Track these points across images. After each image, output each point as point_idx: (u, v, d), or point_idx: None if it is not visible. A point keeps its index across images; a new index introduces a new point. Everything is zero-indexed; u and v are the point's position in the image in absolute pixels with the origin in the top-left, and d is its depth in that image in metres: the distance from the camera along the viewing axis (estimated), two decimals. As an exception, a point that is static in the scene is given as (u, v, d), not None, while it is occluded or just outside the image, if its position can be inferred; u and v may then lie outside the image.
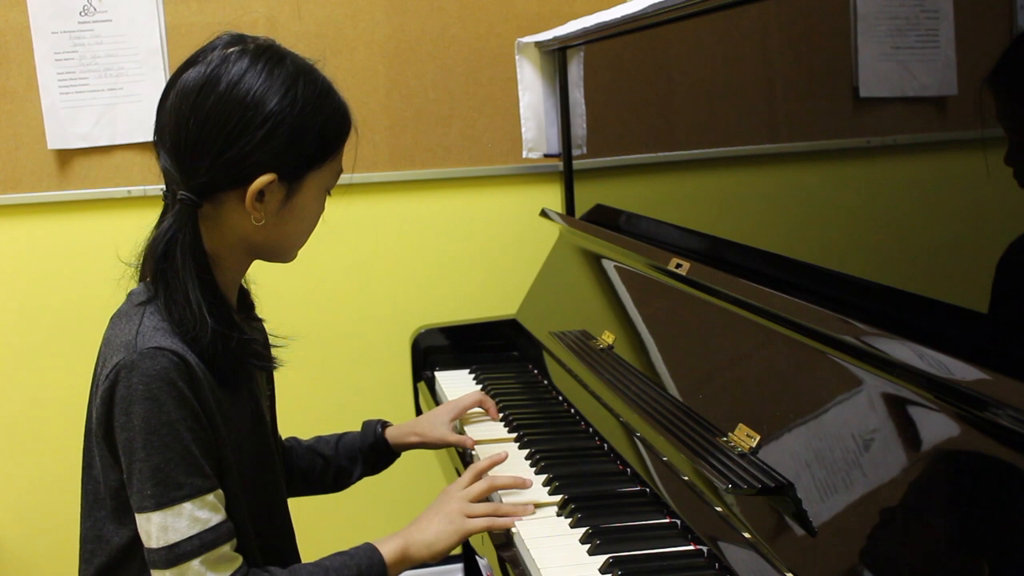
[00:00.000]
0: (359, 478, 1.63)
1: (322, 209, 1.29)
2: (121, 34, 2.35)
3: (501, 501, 1.41)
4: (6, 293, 2.41)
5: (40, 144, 2.37)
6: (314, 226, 1.30)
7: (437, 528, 1.31)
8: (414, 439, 1.64)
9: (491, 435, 1.69)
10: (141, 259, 1.24)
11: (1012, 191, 0.96)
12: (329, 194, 1.30)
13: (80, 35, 2.34)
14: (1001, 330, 0.98)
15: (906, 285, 1.12)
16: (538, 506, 1.38)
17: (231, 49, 1.21)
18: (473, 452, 1.62)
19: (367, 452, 1.62)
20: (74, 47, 2.34)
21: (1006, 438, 0.89)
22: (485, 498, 1.39)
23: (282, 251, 1.30)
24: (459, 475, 1.59)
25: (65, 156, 2.38)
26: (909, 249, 1.14)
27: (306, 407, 2.45)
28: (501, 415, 1.79)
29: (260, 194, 1.20)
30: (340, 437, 1.63)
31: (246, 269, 1.32)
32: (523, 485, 1.43)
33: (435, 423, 1.67)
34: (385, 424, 1.65)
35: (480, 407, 1.77)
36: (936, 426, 0.98)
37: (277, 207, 1.23)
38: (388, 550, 1.27)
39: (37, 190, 2.38)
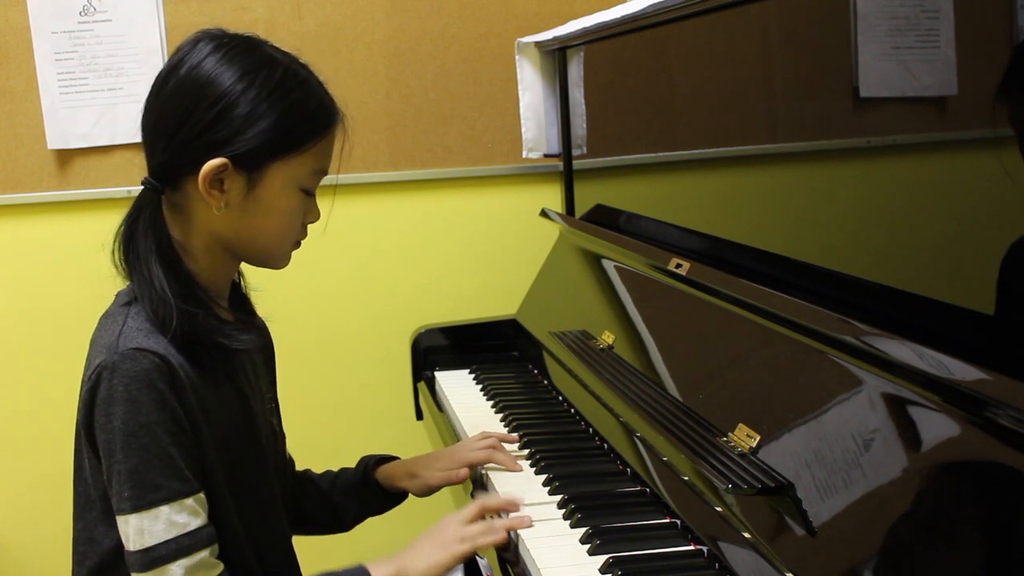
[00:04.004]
0: (359, 518, 1.56)
1: (299, 208, 1.26)
2: (121, 34, 2.35)
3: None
4: (6, 293, 2.41)
5: (40, 144, 2.37)
6: (292, 226, 1.26)
7: (431, 555, 1.29)
8: (407, 483, 1.53)
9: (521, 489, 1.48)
10: (113, 247, 1.24)
11: (1012, 191, 0.96)
12: (310, 194, 1.27)
13: (80, 35, 2.34)
14: (1001, 330, 0.98)
15: (906, 285, 1.12)
16: (538, 506, 1.38)
17: (203, 40, 1.22)
18: (483, 472, 1.54)
19: (361, 491, 1.54)
20: (74, 47, 2.34)
21: (1006, 438, 0.89)
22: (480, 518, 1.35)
23: (259, 251, 1.27)
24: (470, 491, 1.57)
25: (65, 156, 2.38)
26: (909, 249, 1.14)
27: (306, 407, 2.45)
28: (500, 414, 1.79)
29: (219, 182, 1.19)
30: (340, 472, 1.57)
31: (232, 268, 1.30)
32: (515, 506, 1.37)
33: (432, 466, 1.54)
34: (383, 460, 1.57)
35: (494, 462, 1.55)
36: (936, 426, 0.98)
37: (239, 197, 1.21)
38: (380, 575, 1.26)
39: (37, 190, 2.38)
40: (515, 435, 1.64)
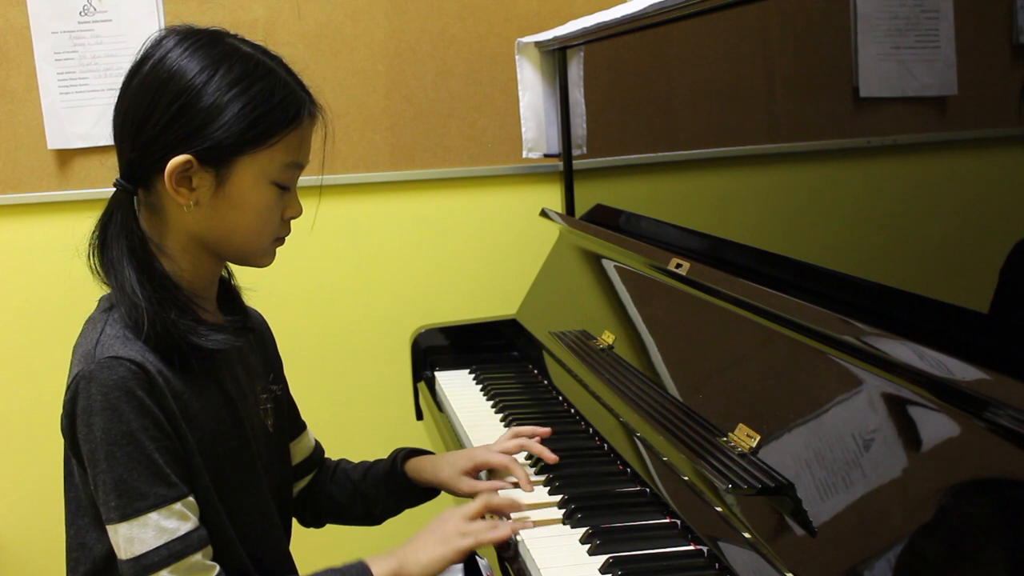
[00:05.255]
0: (390, 511, 1.51)
1: (274, 204, 1.23)
2: (121, 34, 2.35)
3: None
4: (6, 293, 2.41)
5: (40, 144, 2.37)
6: (268, 222, 1.23)
7: (432, 550, 1.28)
8: (427, 475, 1.49)
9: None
10: (89, 252, 1.23)
11: (1012, 191, 0.96)
12: (286, 188, 1.24)
13: (80, 35, 2.34)
14: (1001, 330, 0.98)
15: (906, 285, 1.12)
16: (538, 507, 1.38)
17: (167, 36, 1.21)
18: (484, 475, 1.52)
19: (390, 482, 1.50)
20: (74, 47, 2.34)
21: (1006, 438, 0.89)
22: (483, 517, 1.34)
23: (237, 249, 1.25)
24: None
25: (65, 156, 2.38)
26: (909, 249, 1.14)
27: (306, 407, 2.44)
28: (500, 414, 1.79)
29: (188, 179, 1.18)
30: (375, 463, 1.54)
31: (214, 267, 1.28)
32: (518, 508, 1.37)
33: (454, 465, 1.48)
34: (413, 453, 1.52)
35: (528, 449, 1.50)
36: (936, 426, 0.98)
37: (209, 195, 1.19)
38: (381, 571, 1.24)
39: (37, 190, 2.38)
40: (547, 429, 1.55)
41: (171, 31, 1.22)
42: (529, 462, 1.55)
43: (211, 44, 1.20)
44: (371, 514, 1.52)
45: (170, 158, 1.16)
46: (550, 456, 1.46)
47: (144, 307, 1.16)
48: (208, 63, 1.18)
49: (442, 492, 1.52)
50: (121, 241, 1.19)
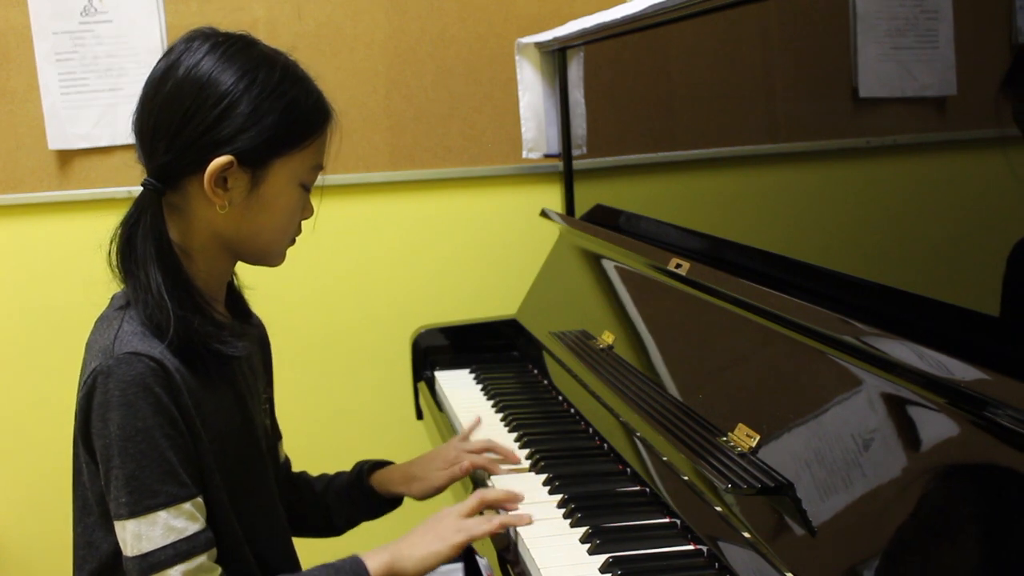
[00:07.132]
0: (351, 522, 1.54)
1: (299, 205, 1.27)
2: (121, 34, 2.35)
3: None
4: (6, 293, 2.41)
5: (40, 144, 2.37)
6: (292, 222, 1.27)
7: (427, 545, 1.29)
8: (405, 487, 1.52)
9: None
10: (110, 250, 1.23)
11: (1012, 191, 0.96)
12: (308, 190, 1.28)
13: (80, 35, 2.34)
14: (1001, 330, 0.98)
15: (906, 285, 1.12)
16: (538, 506, 1.38)
17: (197, 40, 1.22)
18: (490, 483, 1.51)
19: (354, 494, 1.53)
20: (75, 47, 2.35)
21: (1006, 438, 0.89)
22: (479, 513, 1.36)
23: (260, 249, 1.27)
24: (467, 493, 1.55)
25: (65, 156, 2.38)
26: (909, 249, 1.14)
27: (306, 407, 2.45)
28: (500, 414, 1.79)
29: (223, 180, 1.19)
30: (336, 475, 1.56)
31: (228, 268, 1.30)
32: (515, 499, 1.38)
33: (430, 466, 1.53)
34: (378, 466, 1.56)
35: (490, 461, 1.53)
36: (936, 426, 0.98)
37: (243, 195, 1.21)
38: (375, 564, 1.25)
39: (37, 190, 2.38)
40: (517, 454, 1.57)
41: (199, 34, 1.23)
42: (529, 462, 1.55)
43: (245, 49, 1.23)
44: (331, 525, 1.54)
45: (209, 160, 1.18)
46: (514, 456, 1.54)
47: (171, 310, 1.17)
48: (248, 68, 1.20)
49: (405, 500, 1.56)
50: (149, 242, 1.20)
